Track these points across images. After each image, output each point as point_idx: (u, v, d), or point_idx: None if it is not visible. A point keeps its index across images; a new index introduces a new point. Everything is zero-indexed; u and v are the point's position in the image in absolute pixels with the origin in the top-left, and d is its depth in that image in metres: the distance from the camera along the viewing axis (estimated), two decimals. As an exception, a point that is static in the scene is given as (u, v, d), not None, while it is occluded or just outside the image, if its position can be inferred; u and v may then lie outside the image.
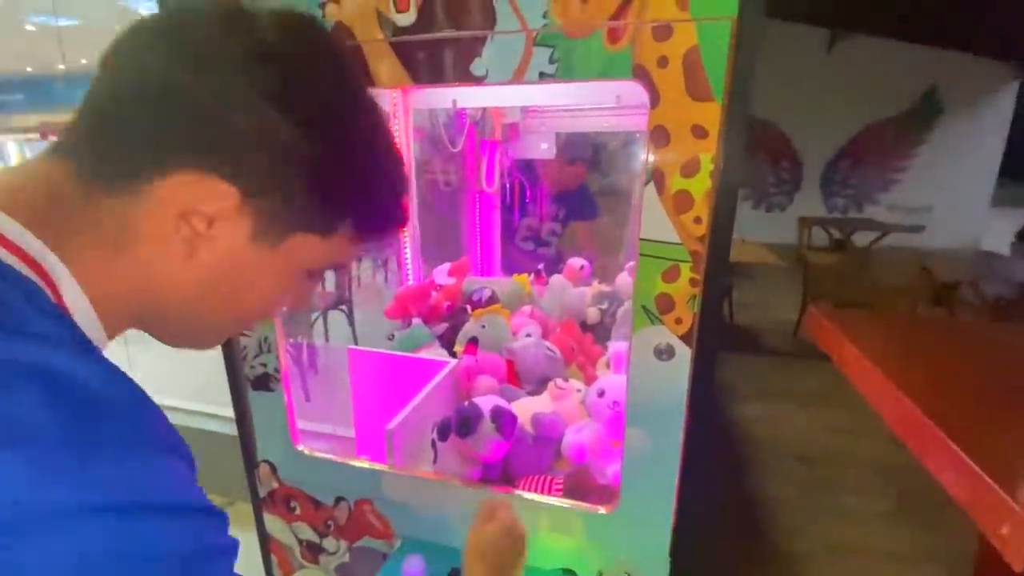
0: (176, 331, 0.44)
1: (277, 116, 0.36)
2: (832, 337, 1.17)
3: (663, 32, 0.61)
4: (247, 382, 0.97)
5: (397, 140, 1.48)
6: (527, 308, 1.62)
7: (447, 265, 1.82)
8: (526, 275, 1.80)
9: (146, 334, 0.44)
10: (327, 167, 0.40)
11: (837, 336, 1.14)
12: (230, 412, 2.42)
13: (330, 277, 3.78)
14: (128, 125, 0.36)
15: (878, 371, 0.94)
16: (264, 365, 0.95)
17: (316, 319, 3.49)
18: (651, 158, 0.65)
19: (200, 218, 0.37)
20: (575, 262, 1.98)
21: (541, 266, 2.02)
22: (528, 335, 1.43)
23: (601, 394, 1.03)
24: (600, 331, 1.64)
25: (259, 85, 0.36)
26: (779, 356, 4.04)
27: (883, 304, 3.50)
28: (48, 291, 0.33)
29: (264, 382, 0.96)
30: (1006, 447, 0.71)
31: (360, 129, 0.42)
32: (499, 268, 2.20)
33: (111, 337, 0.39)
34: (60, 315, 0.33)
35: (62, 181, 0.36)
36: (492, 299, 1.67)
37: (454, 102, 1.47)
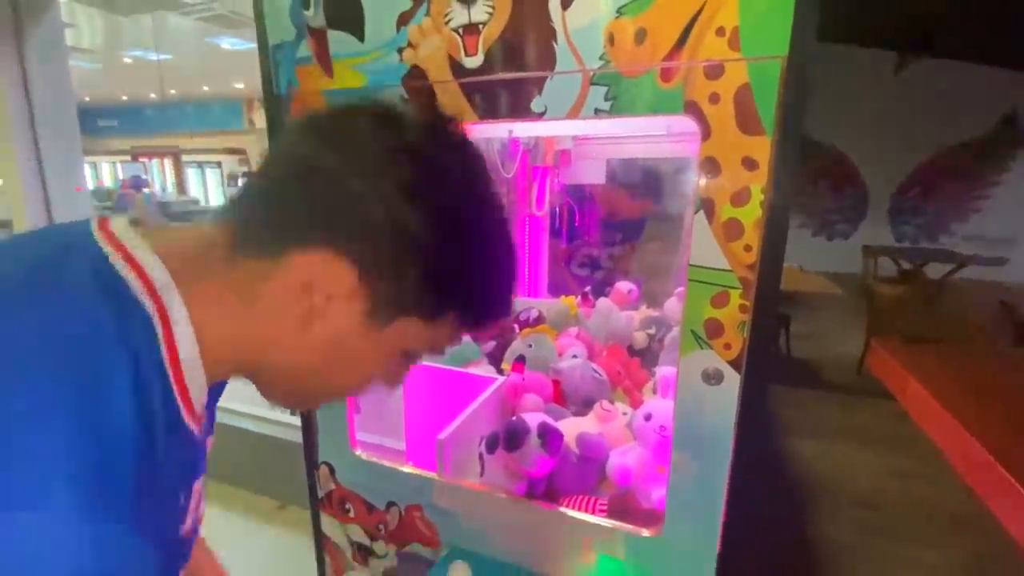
0: (274, 390, 0.47)
1: (408, 210, 0.39)
2: (896, 372, 1.13)
3: (715, 71, 0.64)
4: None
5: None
6: (573, 330, 1.64)
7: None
8: (573, 297, 1.83)
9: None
10: (444, 261, 0.41)
11: (901, 372, 1.10)
12: (285, 418, 2.54)
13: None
14: (281, 201, 0.40)
15: (945, 410, 0.90)
16: (329, 373, 1.02)
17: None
18: (702, 187, 0.68)
19: (321, 294, 0.40)
20: (623, 286, 1.99)
21: (588, 289, 2.04)
22: (574, 356, 1.45)
23: (648, 418, 1.03)
24: (647, 356, 1.63)
25: (397, 180, 0.39)
26: (841, 392, 3.81)
27: (956, 341, 3.26)
28: (158, 323, 0.36)
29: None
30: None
31: (482, 230, 0.44)
32: (546, 290, 2.24)
33: (211, 380, 0.41)
34: (151, 346, 0.36)
35: (215, 237, 0.40)
36: (539, 319, 1.71)
37: (510, 132, 1.55)
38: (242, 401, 2.66)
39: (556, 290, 2.22)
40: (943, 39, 6.16)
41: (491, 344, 1.58)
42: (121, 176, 12.05)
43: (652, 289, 2.04)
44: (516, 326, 1.66)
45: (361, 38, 0.82)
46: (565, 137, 2.00)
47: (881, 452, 2.98)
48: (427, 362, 1.41)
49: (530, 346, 1.45)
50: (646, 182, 2.40)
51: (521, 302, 1.88)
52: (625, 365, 1.52)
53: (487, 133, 1.64)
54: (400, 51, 0.80)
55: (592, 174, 2.13)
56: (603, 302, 1.85)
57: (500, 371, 1.43)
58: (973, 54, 6.50)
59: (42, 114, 2.77)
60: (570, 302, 1.79)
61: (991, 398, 0.99)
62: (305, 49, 0.87)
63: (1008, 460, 0.71)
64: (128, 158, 12.93)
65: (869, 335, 3.84)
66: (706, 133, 0.66)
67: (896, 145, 7.55)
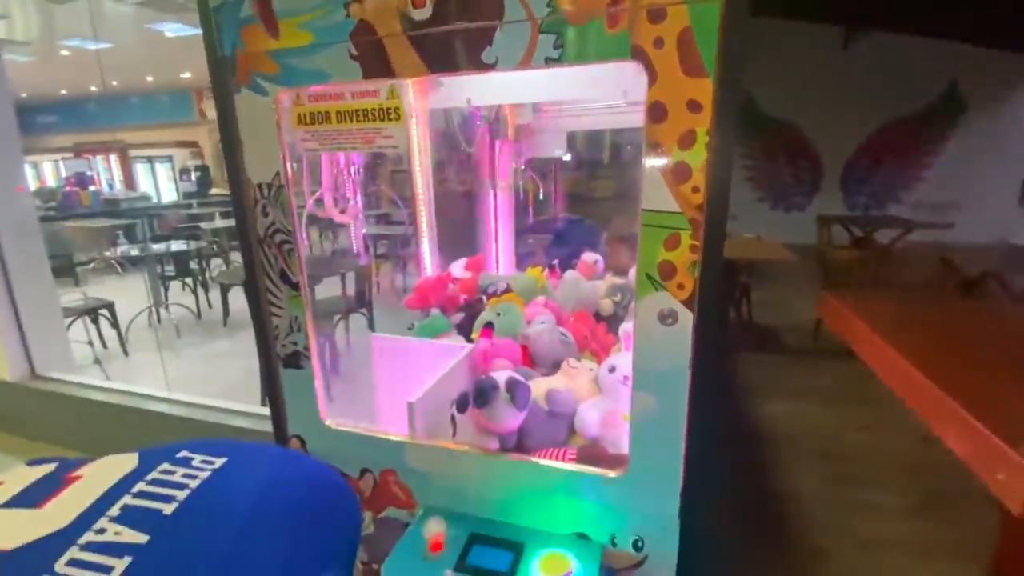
0: None
1: None
2: (842, 315, 1.19)
3: (658, 15, 0.66)
4: (279, 360, 1.04)
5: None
6: (541, 299, 1.66)
7: (463, 260, 1.88)
8: (539, 268, 1.85)
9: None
10: None
11: (846, 314, 1.16)
12: (251, 408, 2.50)
13: (350, 282, 3.89)
14: None
15: (883, 341, 0.96)
16: (295, 343, 1.02)
17: (338, 321, 3.59)
18: (650, 132, 0.70)
19: None
20: (589, 257, 2.02)
21: (556, 262, 2.07)
22: (542, 322, 1.48)
23: (612, 370, 1.07)
24: (613, 323, 1.67)
25: None
26: (801, 354, 4.00)
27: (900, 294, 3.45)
28: None
29: (295, 360, 1.03)
30: (1004, 402, 0.73)
31: None
32: (513, 264, 2.25)
33: None
34: None
35: None
36: (507, 291, 1.72)
37: (468, 100, 1.54)
38: (210, 396, 2.61)
39: (524, 264, 2.23)
40: (888, 13, 6.38)
41: (460, 316, 1.59)
42: (64, 174, 11.40)
43: (619, 259, 2.07)
44: (484, 298, 1.67)
45: (305, -6, 0.80)
46: (526, 110, 2.00)
47: (841, 407, 3.14)
48: (397, 336, 1.42)
49: (499, 314, 1.46)
50: (608, 154, 2.43)
51: (489, 276, 1.89)
52: (592, 329, 1.55)
53: (444, 101, 1.63)
54: (347, 6, 0.79)
55: (554, 147, 2.14)
56: (571, 273, 1.87)
57: (470, 341, 1.44)
58: (917, 27, 6.77)
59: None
60: (536, 273, 1.81)
61: (921, 328, 1.07)
62: (248, 8, 0.84)
63: (933, 373, 0.77)
64: (71, 155, 12.23)
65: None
66: (652, 78, 0.68)
67: (847, 118, 7.84)
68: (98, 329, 4.04)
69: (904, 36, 7.04)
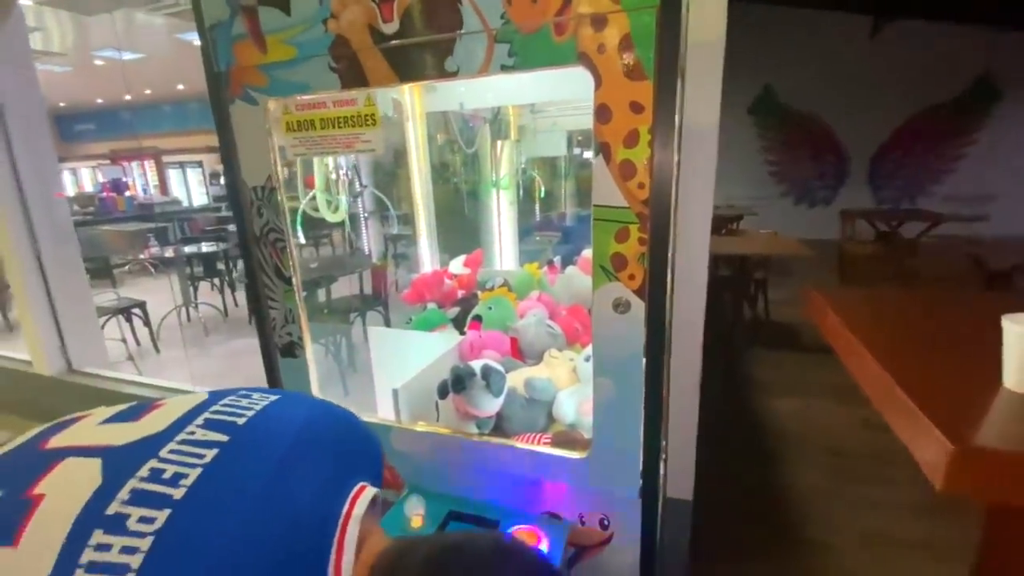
0: None
1: None
2: (819, 309, 1.21)
3: (600, 23, 0.71)
4: (276, 350, 1.12)
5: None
6: (535, 293, 1.72)
7: (463, 257, 1.95)
8: (535, 264, 1.90)
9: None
10: None
11: (822, 307, 1.18)
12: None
13: (367, 280, 4.01)
14: None
15: (850, 334, 0.98)
16: (290, 334, 1.10)
17: (355, 319, 3.71)
18: (598, 132, 0.75)
19: None
20: (589, 253, 2.06)
21: (558, 258, 2.11)
22: (534, 315, 1.53)
23: (588, 359, 1.11)
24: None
25: None
26: (817, 352, 3.93)
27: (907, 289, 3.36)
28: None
29: (291, 349, 1.11)
30: (941, 389, 0.75)
31: None
32: (516, 260, 2.30)
33: None
34: None
35: None
36: (504, 287, 1.78)
37: (461, 104, 1.61)
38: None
39: (529, 260, 2.28)
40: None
41: (456, 310, 1.65)
42: (101, 180, 11.94)
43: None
44: (479, 293, 1.73)
45: (288, 12, 0.87)
46: (525, 111, 2.05)
47: (854, 405, 3.10)
48: (393, 329, 1.49)
49: (490, 308, 1.52)
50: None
51: (488, 272, 1.96)
52: (584, 323, 1.59)
53: (439, 105, 1.70)
54: (324, 22, 0.86)
55: (553, 146, 2.19)
56: (570, 269, 1.92)
57: (464, 334, 1.50)
58: (947, 13, 6.54)
59: (12, 120, 2.79)
60: (532, 269, 1.86)
61: (889, 321, 1.07)
62: (239, 27, 0.92)
63: (888, 363, 0.80)
64: (108, 162, 12.82)
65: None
66: (598, 81, 0.73)
67: (873, 109, 7.61)
68: (132, 327, 4.26)
69: (933, 23, 6.81)
